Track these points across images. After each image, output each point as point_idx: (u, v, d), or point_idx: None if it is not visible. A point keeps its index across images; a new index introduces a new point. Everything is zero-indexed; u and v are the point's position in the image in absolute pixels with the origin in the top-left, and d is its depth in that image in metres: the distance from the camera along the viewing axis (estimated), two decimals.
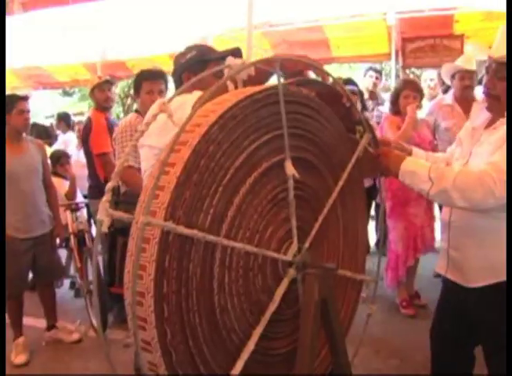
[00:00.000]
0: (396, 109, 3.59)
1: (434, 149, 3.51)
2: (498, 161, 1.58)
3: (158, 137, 1.52)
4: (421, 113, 3.87)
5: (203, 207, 1.15)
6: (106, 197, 1.11)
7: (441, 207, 2.08)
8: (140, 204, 1.13)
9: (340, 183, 1.59)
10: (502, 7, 5.07)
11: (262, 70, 1.45)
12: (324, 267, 1.37)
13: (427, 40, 6.15)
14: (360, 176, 1.76)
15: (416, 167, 1.67)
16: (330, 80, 1.57)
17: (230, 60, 1.38)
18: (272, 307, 1.34)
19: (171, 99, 1.23)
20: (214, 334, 1.21)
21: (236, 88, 1.40)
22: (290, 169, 1.33)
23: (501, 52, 1.67)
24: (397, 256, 3.64)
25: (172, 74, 2.01)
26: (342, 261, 1.68)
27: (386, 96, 5.26)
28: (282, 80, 1.37)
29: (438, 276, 4.56)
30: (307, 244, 1.45)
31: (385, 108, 4.69)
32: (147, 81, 3.04)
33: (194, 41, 6.40)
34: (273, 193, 1.36)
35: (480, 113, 1.84)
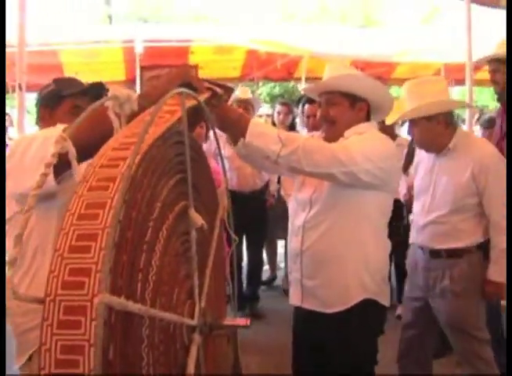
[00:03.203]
0: None
1: None
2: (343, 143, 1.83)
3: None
4: None
5: (133, 273, 0.90)
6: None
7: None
8: (54, 272, 0.80)
9: (217, 231, 1.48)
10: (231, 41, 5.77)
11: (144, 107, 1.25)
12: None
13: (165, 69, 6.58)
14: (221, 222, 1.67)
15: (265, 128, 1.72)
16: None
17: (116, 90, 1.14)
18: None
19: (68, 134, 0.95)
20: None
21: (120, 124, 1.17)
22: (197, 219, 1.16)
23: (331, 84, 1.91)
24: None
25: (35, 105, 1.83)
26: (215, 312, 1.54)
27: None
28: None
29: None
30: (202, 303, 1.28)
31: None
32: None
33: None
34: (175, 248, 1.16)
35: None
